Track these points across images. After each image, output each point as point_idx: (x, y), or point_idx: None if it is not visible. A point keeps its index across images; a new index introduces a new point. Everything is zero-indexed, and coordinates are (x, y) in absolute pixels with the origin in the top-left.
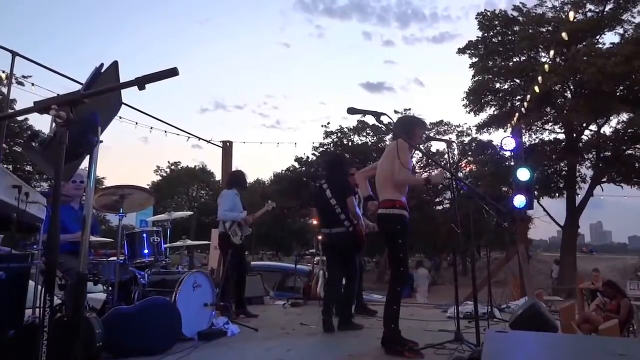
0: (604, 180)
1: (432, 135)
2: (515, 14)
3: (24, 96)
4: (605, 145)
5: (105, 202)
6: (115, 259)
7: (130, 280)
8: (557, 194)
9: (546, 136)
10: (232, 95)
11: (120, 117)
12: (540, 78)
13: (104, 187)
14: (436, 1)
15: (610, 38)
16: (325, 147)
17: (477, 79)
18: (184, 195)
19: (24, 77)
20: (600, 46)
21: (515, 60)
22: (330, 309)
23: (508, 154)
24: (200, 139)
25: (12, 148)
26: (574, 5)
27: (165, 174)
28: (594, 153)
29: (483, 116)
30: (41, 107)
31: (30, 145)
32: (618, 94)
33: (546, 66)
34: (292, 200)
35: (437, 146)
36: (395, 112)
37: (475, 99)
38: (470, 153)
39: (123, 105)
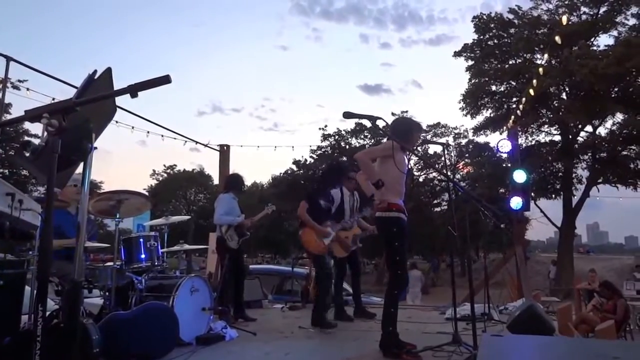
0: (600, 181)
1: (429, 137)
2: (511, 16)
3: (19, 100)
4: (601, 146)
5: (101, 207)
6: (111, 264)
7: (127, 285)
8: (554, 195)
9: (542, 138)
10: (229, 98)
11: (117, 122)
12: (535, 80)
13: (101, 191)
14: (432, 3)
15: (604, 40)
16: (323, 150)
17: (473, 81)
18: (181, 198)
19: (19, 81)
20: (595, 48)
21: (511, 62)
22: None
23: (504, 155)
24: (197, 142)
25: (8, 152)
26: (568, 7)
27: (161, 178)
28: (589, 154)
29: (479, 118)
30: (32, 115)
31: (22, 154)
32: (613, 95)
33: (540, 69)
34: (290, 203)
35: (434, 148)
36: (392, 114)
37: (472, 101)
38: (467, 155)
39: (119, 110)
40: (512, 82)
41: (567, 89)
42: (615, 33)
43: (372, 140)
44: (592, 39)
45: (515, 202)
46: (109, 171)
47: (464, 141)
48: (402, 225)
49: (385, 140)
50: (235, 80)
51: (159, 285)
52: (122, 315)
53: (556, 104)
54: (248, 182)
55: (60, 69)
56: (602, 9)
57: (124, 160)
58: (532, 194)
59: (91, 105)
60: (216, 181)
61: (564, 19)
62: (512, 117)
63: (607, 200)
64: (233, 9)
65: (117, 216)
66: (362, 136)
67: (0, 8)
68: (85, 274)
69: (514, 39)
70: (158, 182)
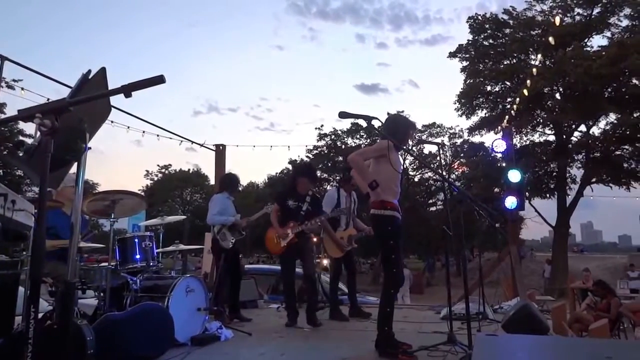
0: (594, 180)
1: (424, 137)
2: (506, 17)
3: (13, 100)
4: (594, 146)
5: (95, 207)
6: (106, 264)
7: (122, 285)
8: (548, 195)
9: (536, 138)
10: (225, 97)
11: (112, 121)
12: (529, 81)
13: (95, 191)
14: (428, 3)
15: (598, 41)
16: (319, 150)
17: (468, 82)
18: (177, 198)
19: (13, 80)
20: (589, 49)
21: (505, 62)
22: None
23: (499, 155)
24: (192, 142)
25: (1, 152)
26: (561, 9)
27: (155, 178)
28: (583, 154)
29: (474, 119)
30: (25, 115)
31: (15, 154)
32: (606, 95)
33: (534, 69)
34: None
35: (429, 148)
36: (388, 114)
37: (467, 102)
38: (462, 155)
39: (115, 109)
40: (507, 83)
41: (561, 90)
42: (608, 34)
43: (368, 140)
44: (585, 40)
45: (510, 202)
46: (104, 171)
47: (459, 141)
48: (396, 224)
49: (379, 139)
50: (232, 80)
51: (154, 286)
52: (117, 316)
53: (550, 104)
54: (244, 181)
55: (55, 69)
56: (596, 10)
57: (119, 160)
58: (527, 193)
59: (85, 105)
60: (212, 181)
61: (558, 19)
62: (507, 117)
63: (600, 199)
64: (229, 9)
65: (112, 216)
66: (358, 136)
67: None
68: (79, 275)
69: (509, 40)
70: (153, 182)
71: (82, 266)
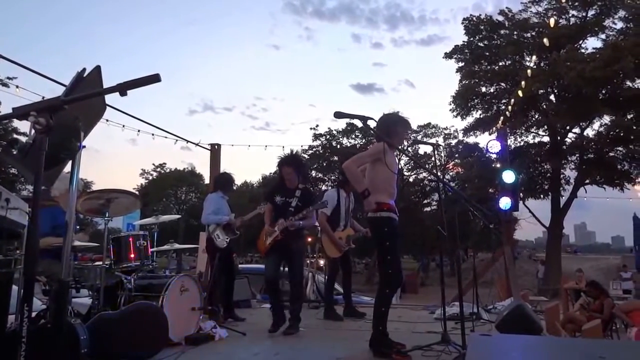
0: (587, 181)
1: (419, 137)
2: (501, 18)
3: (8, 98)
4: (588, 147)
5: (90, 206)
6: (100, 263)
7: (116, 284)
8: (542, 196)
9: (531, 139)
10: (221, 96)
11: (107, 120)
12: (523, 82)
13: (89, 190)
14: (424, 4)
15: (592, 43)
16: (314, 150)
17: (463, 82)
18: (172, 197)
19: (8, 78)
20: (583, 51)
21: (500, 64)
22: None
23: (494, 156)
24: (188, 141)
25: None
26: (556, 10)
27: (150, 177)
28: (577, 155)
29: (469, 119)
30: (20, 113)
31: (9, 152)
32: (600, 97)
33: (529, 71)
34: None
35: (424, 148)
36: (383, 114)
37: (462, 102)
38: (457, 155)
39: (110, 108)
40: (502, 84)
41: (555, 91)
42: (603, 36)
43: (364, 140)
44: (580, 42)
45: (504, 203)
46: (99, 170)
47: (454, 141)
48: (393, 225)
49: (376, 140)
50: (227, 79)
51: (148, 285)
52: (111, 315)
53: (545, 106)
54: (239, 181)
55: (51, 67)
56: (591, 13)
57: (114, 158)
58: (521, 194)
59: (80, 104)
60: (207, 180)
61: (553, 21)
62: (502, 118)
63: (594, 200)
64: (225, 8)
65: (107, 215)
66: (354, 136)
67: None
68: (73, 274)
69: (504, 41)
70: (148, 181)
71: (76, 265)
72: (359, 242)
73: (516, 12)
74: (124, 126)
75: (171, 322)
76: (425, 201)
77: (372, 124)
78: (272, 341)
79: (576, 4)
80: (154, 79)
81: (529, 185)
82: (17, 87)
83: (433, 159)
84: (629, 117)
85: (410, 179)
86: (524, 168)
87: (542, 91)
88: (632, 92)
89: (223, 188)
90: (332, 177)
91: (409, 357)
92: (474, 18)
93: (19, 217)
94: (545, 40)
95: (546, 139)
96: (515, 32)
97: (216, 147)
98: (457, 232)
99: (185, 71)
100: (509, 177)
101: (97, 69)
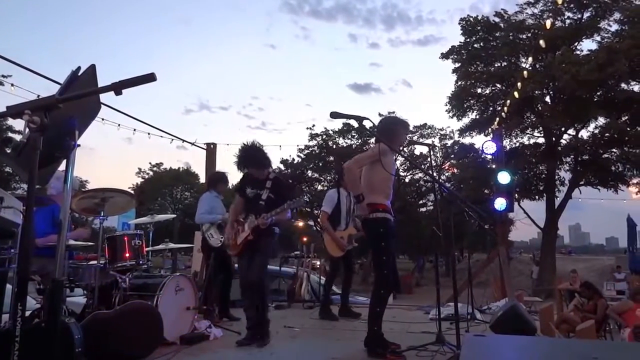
0: (582, 183)
1: (415, 138)
2: (497, 19)
3: (3, 96)
4: (583, 149)
5: (85, 205)
6: (95, 262)
7: (111, 284)
8: (537, 197)
9: (526, 140)
10: (217, 96)
11: (103, 119)
12: (519, 84)
13: (85, 189)
14: (421, 4)
15: (588, 45)
16: (310, 150)
17: (459, 83)
18: (167, 197)
19: (3, 76)
20: (579, 53)
21: (496, 65)
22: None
23: (489, 157)
24: (184, 140)
25: None
26: (552, 12)
27: (147, 176)
28: (572, 156)
29: (465, 120)
30: (14, 111)
31: (3, 150)
32: (595, 99)
33: (525, 72)
34: None
35: (420, 149)
36: (380, 115)
37: (458, 103)
38: (452, 156)
39: (106, 107)
40: (498, 85)
41: (551, 93)
42: (598, 38)
43: (360, 141)
44: (576, 44)
45: (500, 203)
46: (94, 169)
47: (449, 142)
48: (388, 225)
49: (372, 140)
50: (223, 78)
51: (143, 285)
52: (106, 314)
53: (540, 108)
54: (234, 180)
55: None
56: (586, 15)
57: (110, 157)
58: (516, 195)
59: (75, 102)
60: (203, 180)
61: (548, 23)
62: (497, 119)
63: (588, 201)
64: (222, 6)
65: (102, 214)
66: (350, 136)
67: None
68: (68, 273)
69: (500, 43)
70: (144, 180)
71: (71, 264)
72: (361, 242)
73: (512, 13)
74: (119, 125)
75: (166, 322)
76: (421, 201)
77: (367, 124)
78: None
79: (571, 6)
80: (150, 78)
81: (524, 186)
82: (12, 85)
83: (429, 159)
84: (623, 119)
85: (406, 180)
86: (519, 169)
87: (537, 93)
88: (627, 95)
89: (216, 187)
90: (328, 177)
91: (404, 357)
92: (471, 19)
93: (13, 216)
94: (542, 42)
95: (541, 140)
96: (511, 34)
97: (212, 146)
98: (453, 233)
99: (182, 70)
100: (504, 178)
101: (92, 68)
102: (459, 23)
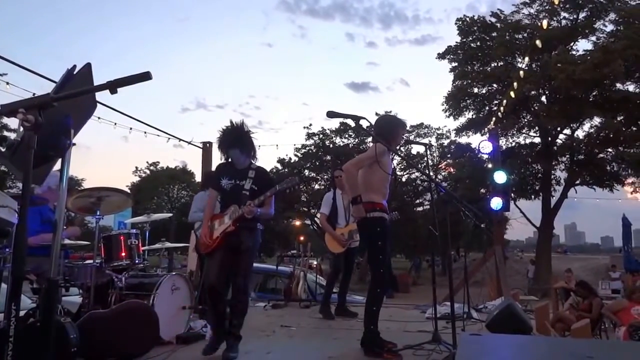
0: (577, 182)
1: (412, 137)
2: (493, 19)
3: None
4: (579, 148)
5: (81, 204)
6: (91, 261)
7: (107, 283)
8: (533, 196)
9: (522, 140)
10: (213, 94)
11: (99, 118)
12: (515, 84)
13: (81, 188)
14: (418, 3)
15: (584, 45)
16: (307, 149)
17: (456, 83)
18: (164, 196)
19: None
20: (574, 53)
21: (492, 65)
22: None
23: (485, 156)
24: (180, 139)
25: None
26: (548, 12)
27: (144, 175)
28: (567, 156)
29: (462, 120)
30: (8, 110)
31: None
32: (590, 99)
33: (521, 72)
34: (275, 202)
35: (416, 148)
36: (376, 114)
37: (454, 103)
38: (449, 155)
39: (102, 106)
40: (494, 85)
41: (546, 93)
42: (594, 38)
43: (357, 140)
44: (571, 44)
45: (496, 203)
46: (90, 168)
47: (446, 142)
48: (385, 224)
49: (369, 140)
50: (220, 76)
51: (139, 284)
52: (101, 314)
53: (536, 107)
54: None
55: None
56: (582, 15)
57: (106, 156)
58: (512, 194)
59: (70, 101)
60: (199, 179)
61: (544, 23)
62: (493, 119)
63: (584, 201)
64: (219, 5)
65: (98, 213)
66: (347, 135)
67: None
68: (63, 272)
69: (496, 43)
70: (141, 179)
71: (66, 263)
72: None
73: (508, 13)
74: (115, 124)
75: (162, 321)
76: (418, 201)
77: (364, 123)
78: (264, 340)
79: (567, 6)
80: (145, 77)
81: (520, 185)
82: (7, 83)
83: (425, 159)
84: (618, 118)
85: (403, 179)
86: (515, 169)
87: (533, 92)
88: (622, 95)
89: (208, 186)
90: (325, 177)
91: (400, 356)
92: (467, 19)
93: (7, 215)
94: (538, 42)
95: (537, 140)
96: (507, 34)
97: (208, 145)
98: (449, 232)
99: (178, 69)
100: (500, 177)
101: (88, 67)
102: (456, 23)
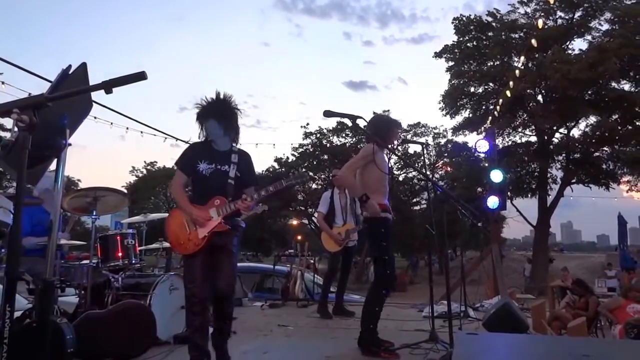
0: (574, 181)
1: (409, 137)
2: (490, 19)
3: None
4: (574, 147)
5: (77, 204)
6: (87, 261)
7: (103, 283)
8: (529, 195)
9: (518, 139)
10: (211, 93)
11: (95, 117)
12: (511, 83)
13: (78, 188)
14: (415, 2)
15: (579, 44)
16: (304, 148)
17: (452, 82)
18: (161, 195)
19: None
20: (570, 52)
21: (489, 64)
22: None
23: (482, 155)
24: (177, 139)
25: None
26: (544, 12)
27: (141, 174)
28: (563, 155)
29: (458, 119)
30: (2, 110)
31: None
32: (586, 98)
33: (517, 71)
34: (271, 201)
35: (413, 148)
36: (374, 113)
37: (451, 102)
38: (445, 155)
39: (98, 105)
40: (490, 84)
41: (542, 92)
42: (589, 38)
43: (354, 139)
44: (567, 43)
45: (492, 202)
46: (86, 167)
47: (443, 141)
48: (388, 225)
49: (365, 139)
50: (218, 75)
51: (135, 284)
52: (98, 314)
53: (532, 106)
54: None
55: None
56: (577, 14)
57: (102, 156)
58: (509, 193)
59: (66, 101)
60: None
61: (540, 22)
62: (490, 118)
63: (580, 199)
64: (215, 3)
65: (94, 213)
66: (344, 134)
67: None
68: (60, 272)
69: (492, 42)
70: (138, 179)
71: (62, 263)
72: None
73: (504, 13)
74: (112, 123)
75: (159, 321)
76: (415, 200)
77: (361, 123)
78: (262, 340)
79: (563, 5)
80: (140, 76)
81: (516, 184)
82: (2, 83)
83: (422, 158)
84: (614, 117)
85: (400, 178)
86: (511, 167)
87: (529, 92)
88: (617, 94)
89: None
90: (323, 176)
91: (397, 356)
92: (464, 18)
93: (2, 216)
94: (534, 41)
95: (533, 138)
96: (503, 33)
97: None
98: (446, 231)
99: (176, 68)
100: (497, 176)
101: (83, 67)
102: (452, 22)
